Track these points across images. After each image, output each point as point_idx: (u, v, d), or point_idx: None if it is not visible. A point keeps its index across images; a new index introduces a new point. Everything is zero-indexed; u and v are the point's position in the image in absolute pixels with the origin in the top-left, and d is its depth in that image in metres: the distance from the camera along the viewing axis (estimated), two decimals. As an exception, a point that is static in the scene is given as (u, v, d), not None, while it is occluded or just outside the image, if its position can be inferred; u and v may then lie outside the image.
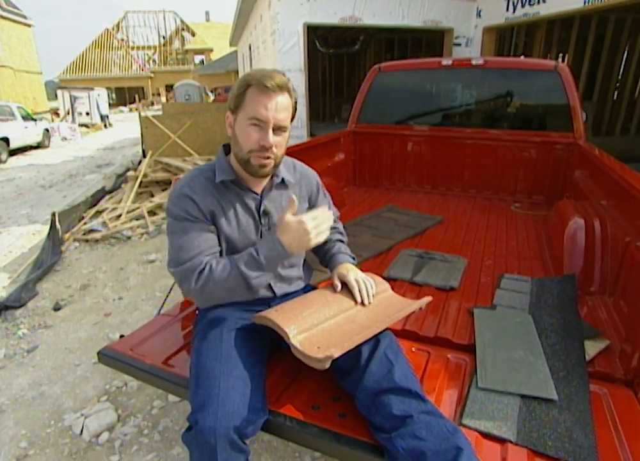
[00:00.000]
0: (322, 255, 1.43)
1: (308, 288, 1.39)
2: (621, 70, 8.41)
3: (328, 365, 0.98)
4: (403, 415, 0.94)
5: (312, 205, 1.37)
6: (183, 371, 1.20)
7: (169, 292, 1.70)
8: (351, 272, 1.26)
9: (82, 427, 2.03)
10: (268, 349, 1.21)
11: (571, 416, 1.03)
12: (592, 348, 1.31)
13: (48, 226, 4.38)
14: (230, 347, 1.10)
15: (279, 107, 1.09)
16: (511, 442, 0.98)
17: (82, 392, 2.28)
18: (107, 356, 1.27)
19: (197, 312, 1.32)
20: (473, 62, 3.01)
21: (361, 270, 1.42)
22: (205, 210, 1.14)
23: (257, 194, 1.22)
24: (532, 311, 1.56)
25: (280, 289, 1.28)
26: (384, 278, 1.82)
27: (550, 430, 1.00)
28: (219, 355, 1.07)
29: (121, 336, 1.37)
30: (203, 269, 1.09)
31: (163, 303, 1.66)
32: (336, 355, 0.98)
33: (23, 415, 2.13)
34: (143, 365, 1.22)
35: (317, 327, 1.09)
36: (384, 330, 1.14)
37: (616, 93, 8.48)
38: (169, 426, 2.04)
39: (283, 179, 1.25)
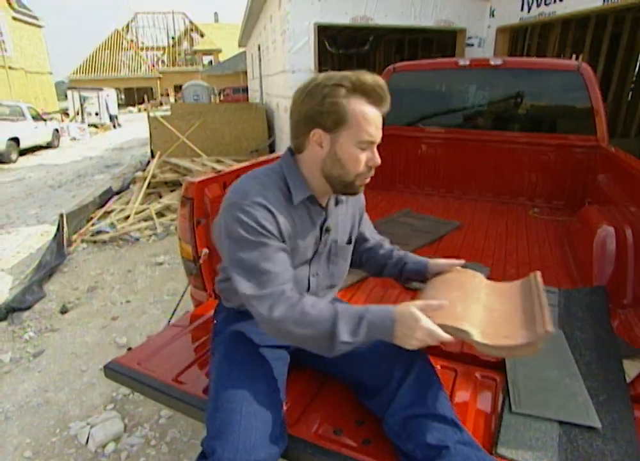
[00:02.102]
0: (394, 262, 1.27)
1: (334, 301, 1.30)
2: (636, 70, 8.24)
3: (540, 347, 0.87)
4: (438, 444, 0.85)
5: (359, 222, 1.26)
6: (195, 388, 1.13)
7: (179, 302, 1.63)
8: (442, 260, 1.21)
9: (88, 436, 1.97)
10: (287, 366, 1.13)
11: (617, 447, 0.94)
12: (631, 368, 1.22)
13: (56, 227, 4.34)
14: (255, 367, 1.02)
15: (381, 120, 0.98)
16: None
17: (88, 400, 2.23)
18: (113, 371, 1.20)
19: (215, 322, 1.24)
20: (492, 62, 2.92)
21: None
22: (281, 225, 0.98)
23: (323, 209, 1.09)
24: (562, 325, 1.47)
25: None
26: (413, 292, 1.71)
27: (595, 463, 0.91)
28: (242, 376, 0.98)
29: (129, 349, 1.30)
30: (288, 300, 0.93)
31: (173, 313, 1.59)
32: (550, 329, 0.86)
33: (28, 423, 2.08)
34: (151, 382, 1.15)
35: (480, 319, 0.96)
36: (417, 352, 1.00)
37: (630, 93, 8.31)
38: (177, 437, 1.98)
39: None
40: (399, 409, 0.94)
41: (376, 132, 0.97)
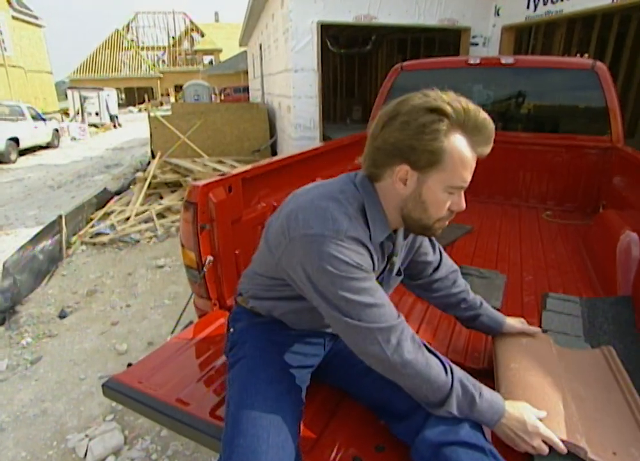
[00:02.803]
0: (465, 308, 1.23)
1: None
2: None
3: None
4: None
5: (417, 248, 1.17)
6: (201, 410, 1.04)
7: (182, 313, 1.55)
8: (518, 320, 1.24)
9: (87, 450, 1.90)
10: (306, 387, 1.04)
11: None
12: (668, 387, 1.14)
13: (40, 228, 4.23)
14: (282, 389, 0.93)
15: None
16: None
17: (86, 410, 2.15)
18: (113, 390, 1.12)
19: (232, 330, 1.11)
20: (503, 61, 2.83)
21: None
22: (374, 261, 0.90)
23: (393, 243, 1.00)
24: (587, 339, 1.39)
25: None
26: (428, 304, 1.64)
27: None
28: (269, 398, 0.89)
29: (129, 365, 1.22)
30: (409, 339, 0.85)
31: (176, 324, 1.51)
32: None
33: (24, 435, 2.00)
34: (152, 402, 1.06)
35: (577, 419, 0.96)
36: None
37: (637, 93, 8.22)
38: (180, 451, 1.90)
39: None
40: (431, 435, 0.86)
41: (469, 178, 0.86)
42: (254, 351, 1.00)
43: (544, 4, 5.59)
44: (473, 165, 0.86)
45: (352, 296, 0.82)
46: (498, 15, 6.50)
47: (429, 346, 0.90)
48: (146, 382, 1.13)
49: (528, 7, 5.90)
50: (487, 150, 0.86)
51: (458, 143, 0.82)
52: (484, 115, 0.83)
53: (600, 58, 7.51)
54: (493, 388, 0.98)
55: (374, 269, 0.91)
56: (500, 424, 0.88)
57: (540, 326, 1.48)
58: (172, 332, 1.45)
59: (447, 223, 0.94)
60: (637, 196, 2.12)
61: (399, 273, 1.09)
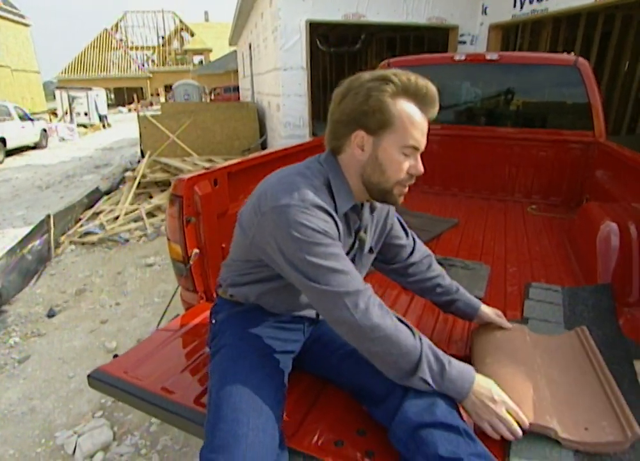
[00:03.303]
0: (441, 292, 1.26)
1: None
2: (626, 68, 8.29)
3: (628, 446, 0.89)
4: (451, 457, 0.78)
5: (388, 230, 1.21)
6: (185, 398, 1.06)
7: (168, 305, 1.55)
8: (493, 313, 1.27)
9: (75, 446, 1.89)
10: (288, 373, 1.05)
11: (638, 457, 0.89)
12: (643, 370, 1.17)
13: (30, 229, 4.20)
14: (263, 374, 0.94)
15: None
16: None
17: (75, 407, 2.14)
18: (98, 380, 1.12)
19: (213, 322, 1.13)
20: (488, 57, 2.87)
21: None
22: (340, 230, 0.92)
23: (359, 217, 1.03)
24: (567, 326, 1.42)
25: None
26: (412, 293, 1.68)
27: (615, 474, 0.86)
28: (249, 383, 0.90)
29: (115, 356, 1.22)
30: (377, 305, 0.87)
31: (162, 318, 1.52)
32: (638, 431, 0.89)
33: (11, 433, 1.99)
34: (138, 391, 1.07)
35: (550, 401, 0.99)
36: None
37: (621, 91, 8.35)
38: (169, 445, 1.90)
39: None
40: (407, 417, 0.87)
41: (421, 139, 0.91)
42: (233, 340, 1.02)
43: (530, 2, 5.66)
44: (424, 127, 0.92)
45: (319, 261, 0.85)
46: (485, 13, 6.57)
47: (398, 315, 0.92)
48: (131, 372, 1.14)
49: (514, 6, 5.97)
50: (434, 111, 0.92)
51: (405, 106, 0.88)
52: (425, 81, 0.89)
53: (586, 57, 7.63)
54: None
55: (340, 240, 0.93)
56: (472, 394, 0.90)
57: (522, 315, 1.51)
58: (158, 325, 1.45)
59: (406, 189, 0.98)
60: (617, 189, 2.16)
61: (371, 251, 1.12)
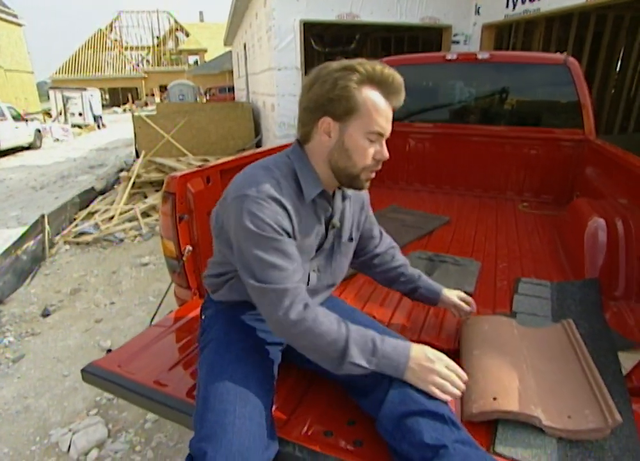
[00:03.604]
0: (404, 281, 1.32)
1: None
2: (618, 68, 8.36)
3: (609, 432, 0.92)
4: (436, 444, 0.80)
5: (364, 220, 1.25)
6: (178, 391, 1.07)
7: (161, 301, 1.57)
8: (456, 293, 1.31)
9: (70, 443, 1.90)
10: (278, 366, 1.07)
11: (617, 442, 0.92)
12: (627, 361, 1.20)
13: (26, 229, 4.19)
14: (248, 365, 0.96)
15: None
16: None
17: (70, 405, 2.15)
18: (92, 374, 1.14)
19: (202, 318, 1.17)
20: (479, 56, 2.90)
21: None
22: (294, 222, 0.95)
23: (330, 204, 1.06)
24: (555, 319, 1.45)
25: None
26: None
27: (595, 460, 0.88)
28: (235, 374, 0.92)
29: (109, 351, 1.24)
30: (302, 303, 0.90)
31: (155, 313, 1.53)
32: (619, 418, 0.92)
33: (6, 432, 1.99)
34: (131, 385, 1.08)
35: (536, 391, 1.02)
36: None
37: (613, 91, 8.42)
38: (163, 442, 1.91)
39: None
40: (392, 407, 0.89)
41: (386, 125, 0.95)
42: (219, 334, 1.05)
43: (523, 2, 5.70)
44: (389, 114, 0.95)
45: (262, 254, 0.89)
46: (478, 13, 6.61)
47: (325, 309, 0.94)
48: (125, 367, 1.15)
49: (507, 6, 6.01)
50: (399, 100, 0.96)
51: (370, 93, 0.92)
52: (391, 70, 0.93)
53: (578, 56, 7.69)
54: None
55: (294, 234, 0.96)
56: (410, 364, 0.91)
57: (511, 309, 1.54)
58: (151, 321, 1.47)
59: (373, 174, 1.01)
60: (606, 186, 2.19)
61: (350, 240, 1.16)
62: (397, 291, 1.37)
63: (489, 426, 0.98)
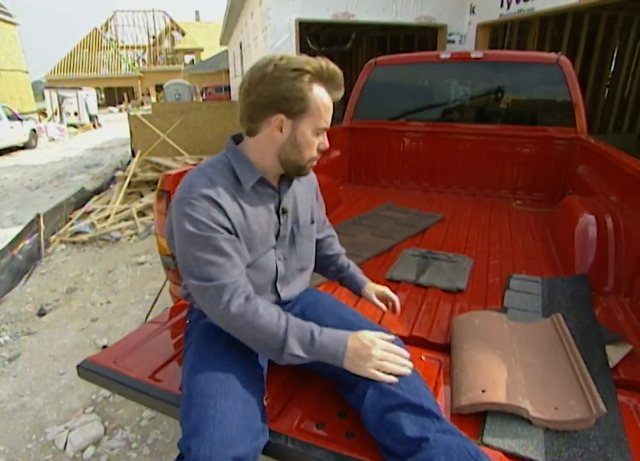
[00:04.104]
0: (334, 270, 1.36)
1: (310, 290, 1.29)
2: (612, 68, 8.42)
3: (593, 422, 0.96)
4: (417, 437, 0.82)
5: (315, 203, 1.28)
6: (172, 386, 1.09)
7: (157, 298, 1.58)
8: (380, 290, 1.29)
9: (66, 441, 1.91)
10: (268, 360, 1.09)
11: (602, 432, 0.94)
12: (614, 354, 1.22)
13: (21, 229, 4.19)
14: (228, 361, 0.98)
15: None
16: None
17: (66, 403, 2.15)
18: (87, 370, 1.15)
19: (188, 320, 1.20)
20: (472, 55, 2.92)
21: (363, 271, 1.40)
22: (231, 216, 0.98)
23: (276, 190, 1.10)
24: (545, 314, 1.47)
25: (286, 293, 1.16)
26: (387, 279, 1.75)
27: (581, 449, 0.90)
28: (215, 371, 0.94)
29: (104, 347, 1.25)
30: (242, 296, 0.94)
31: (150, 310, 1.54)
32: (603, 408, 0.95)
33: (2, 430, 2.00)
34: (127, 380, 1.10)
35: (523, 383, 1.05)
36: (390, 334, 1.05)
37: (607, 91, 8.48)
38: (160, 439, 1.92)
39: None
40: (373, 401, 0.91)
41: (329, 119, 1.02)
42: (199, 335, 1.07)
43: (517, 2, 5.74)
44: (332, 108, 1.02)
45: (198, 253, 0.93)
46: (473, 12, 6.65)
47: (266, 302, 0.98)
48: (120, 362, 1.16)
49: (502, 5, 6.05)
50: (340, 92, 1.02)
51: (319, 92, 0.97)
52: (333, 66, 0.98)
53: (573, 56, 7.74)
54: None
55: (234, 227, 0.99)
56: (348, 352, 0.93)
57: (502, 304, 1.56)
58: (146, 318, 1.48)
59: (314, 163, 1.07)
60: (597, 183, 2.22)
61: (312, 223, 1.20)
62: (325, 277, 1.43)
63: (478, 418, 1.00)
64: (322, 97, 0.97)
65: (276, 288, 1.13)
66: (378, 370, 0.92)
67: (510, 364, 1.09)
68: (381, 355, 0.93)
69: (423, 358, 1.24)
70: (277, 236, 1.10)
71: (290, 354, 0.92)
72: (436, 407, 0.90)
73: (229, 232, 0.97)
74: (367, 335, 0.96)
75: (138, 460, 1.81)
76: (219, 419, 0.84)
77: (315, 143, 1.01)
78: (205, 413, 0.86)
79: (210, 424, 0.83)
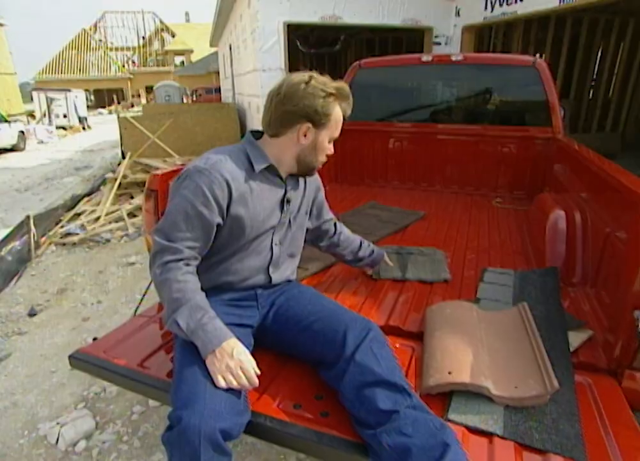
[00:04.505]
0: (370, 250, 1.68)
1: (293, 284, 1.37)
2: (596, 69, 8.60)
3: (548, 398, 1.04)
4: (389, 409, 0.91)
5: (315, 203, 1.46)
6: (159, 372, 1.15)
7: (144, 293, 1.64)
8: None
9: (58, 436, 1.95)
10: (251, 347, 1.16)
11: (557, 407, 1.02)
12: (576, 339, 1.31)
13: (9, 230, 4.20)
14: None
15: None
16: (498, 436, 0.96)
17: (58, 400, 2.20)
18: (79, 360, 1.21)
19: None
20: (453, 58, 3.01)
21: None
22: (234, 195, 1.12)
23: (283, 182, 1.25)
24: (515, 304, 1.55)
25: (277, 276, 1.30)
26: (374, 278, 1.79)
27: (536, 422, 0.98)
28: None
29: (94, 339, 1.31)
30: (175, 259, 1.07)
31: (139, 304, 1.60)
32: (556, 385, 1.04)
33: (-6, 427, 2.04)
34: (116, 368, 1.16)
35: (488, 365, 1.13)
36: (368, 322, 1.15)
37: (591, 91, 8.66)
38: (150, 432, 1.98)
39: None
40: (352, 377, 0.99)
41: (339, 131, 1.24)
42: None
43: (500, 5, 5.86)
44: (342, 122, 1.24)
45: (175, 213, 1.09)
46: (458, 15, 6.77)
47: (197, 285, 1.10)
48: (110, 352, 1.23)
49: (485, 8, 6.17)
50: (350, 110, 1.23)
51: (337, 109, 1.19)
52: (346, 86, 1.20)
53: (557, 57, 7.88)
54: None
55: (229, 204, 1.12)
56: (218, 349, 0.99)
57: (475, 296, 1.64)
58: (135, 312, 1.54)
59: (321, 165, 1.29)
60: (570, 181, 2.32)
61: (306, 213, 1.39)
62: (354, 262, 1.69)
63: (445, 398, 1.08)
64: (339, 114, 1.19)
65: (268, 271, 1.26)
66: (221, 376, 0.96)
67: (476, 348, 1.17)
68: (235, 374, 0.97)
69: (398, 345, 1.32)
70: (278, 221, 1.24)
71: (175, 321, 1.02)
72: (409, 387, 0.99)
73: (219, 209, 1.10)
74: (240, 349, 1.01)
75: (129, 452, 1.86)
76: (210, 393, 0.93)
77: (327, 149, 1.23)
78: (197, 388, 0.94)
79: (201, 397, 0.91)
